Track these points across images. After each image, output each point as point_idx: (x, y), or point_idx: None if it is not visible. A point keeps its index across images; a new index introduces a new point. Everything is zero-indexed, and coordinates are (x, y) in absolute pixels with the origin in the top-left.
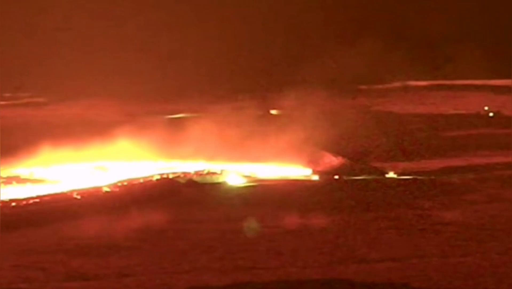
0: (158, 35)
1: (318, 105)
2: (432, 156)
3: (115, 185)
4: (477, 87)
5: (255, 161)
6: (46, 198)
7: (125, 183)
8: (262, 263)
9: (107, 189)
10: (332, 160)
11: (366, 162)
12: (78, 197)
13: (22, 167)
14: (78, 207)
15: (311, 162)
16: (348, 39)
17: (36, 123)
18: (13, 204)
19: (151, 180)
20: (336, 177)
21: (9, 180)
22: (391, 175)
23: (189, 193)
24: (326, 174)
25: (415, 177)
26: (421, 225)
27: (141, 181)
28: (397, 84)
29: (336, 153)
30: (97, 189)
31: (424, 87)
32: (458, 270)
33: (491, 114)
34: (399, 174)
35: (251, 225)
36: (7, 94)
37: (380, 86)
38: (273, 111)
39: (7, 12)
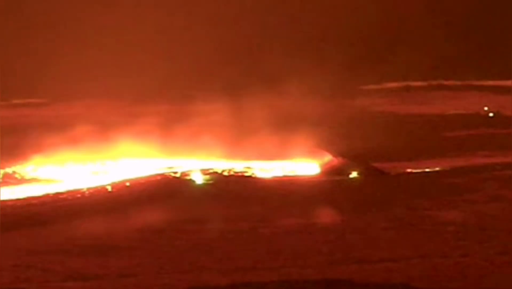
0: (158, 35)
1: (317, 105)
2: (432, 156)
3: (115, 184)
4: (477, 87)
5: (254, 160)
6: (46, 198)
7: (125, 183)
8: (262, 263)
9: (107, 189)
10: (332, 160)
11: (366, 162)
12: (78, 197)
13: (22, 167)
14: (78, 207)
15: (311, 161)
16: (348, 39)
17: (36, 123)
18: (13, 204)
19: (151, 180)
20: (336, 177)
21: (8, 180)
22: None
23: (189, 193)
24: (326, 174)
25: (415, 177)
26: (421, 225)
27: (141, 180)
28: (397, 84)
29: (336, 153)
30: (97, 189)
31: (424, 87)
32: (458, 270)
33: (491, 114)
34: (399, 174)
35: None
36: (7, 95)
37: (380, 86)
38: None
39: (7, 12)
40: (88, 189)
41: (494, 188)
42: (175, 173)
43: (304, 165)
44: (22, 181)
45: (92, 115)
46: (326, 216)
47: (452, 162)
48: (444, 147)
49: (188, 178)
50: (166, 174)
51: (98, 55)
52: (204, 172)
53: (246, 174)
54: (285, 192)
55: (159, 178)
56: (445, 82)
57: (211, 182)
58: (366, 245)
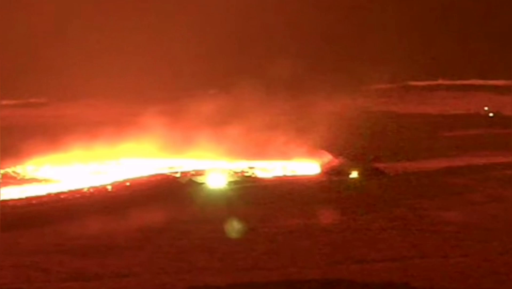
0: (158, 35)
1: (317, 105)
2: (432, 156)
3: (115, 184)
4: (477, 87)
5: (254, 160)
6: (46, 198)
7: (126, 183)
8: (262, 263)
9: (107, 189)
10: (332, 160)
11: (366, 162)
12: (78, 197)
13: (22, 167)
14: (78, 207)
15: (311, 161)
16: (349, 39)
17: (36, 123)
18: (13, 204)
19: (151, 180)
20: (336, 177)
21: (8, 180)
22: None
23: (189, 193)
24: (326, 174)
25: (415, 177)
26: (421, 225)
27: (142, 180)
28: (397, 84)
29: (336, 153)
30: (97, 189)
31: (424, 87)
32: (458, 270)
33: (491, 114)
34: (399, 174)
35: (234, 226)
36: (7, 94)
37: (380, 86)
38: None
39: (7, 12)
40: (88, 189)
41: (494, 188)
42: (175, 172)
43: (304, 165)
44: (22, 181)
45: (92, 115)
46: (326, 216)
47: (452, 162)
48: (444, 147)
49: (188, 177)
50: (167, 173)
51: (98, 56)
52: (204, 172)
53: (246, 174)
54: (285, 192)
55: (159, 177)
56: (445, 82)
57: (211, 182)
58: (366, 245)
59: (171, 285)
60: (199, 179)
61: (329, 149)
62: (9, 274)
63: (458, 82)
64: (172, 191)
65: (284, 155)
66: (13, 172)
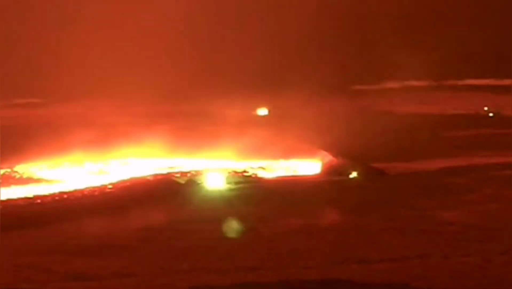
0: (158, 36)
1: (318, 105)
2: (432, 156)
3: (116, 184)
4: (477, 87)
5: (254, 160)
6: (46, 198)
7: (126, 183)
8: (262, 263)
9: (108, 189)
10: (332, 160)
11: (366, 162)
12: (79, 197)
13: (22, 167)
14: (78, 207)
15: (311, 161)
16: (348, 39)
17: (36, 123)
18: (13, 204)
19: (152, 180)
20: (336, 177)
21: (8, 180)
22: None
23: (189, 192)
24: (326, 174)
25: (415, 177)
26: (421, 225)
27: (142, 180)
28: (397, 84)
29: (336, 153)
30: (97, 189)
31: (424, 87)
32: (458, 270)
33: (491, 114)
34: (399, 174)
35: (234, 226)
36: (7, 94)
37: (380, 86)
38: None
39: (7, 13)
40: (89, 189)
41: (494, 188)
42: (176, 173)
43: (304, 165)
44: (22, 181)
45: (92, 115)
46: (326, 216)
47: (452, 162)
48: (444, 147)
49: (188, 177)
50: (167, 174)
51: (98, 55)
52: (205, 172)
53: (246, 174)
54: (285, 192)
55: (159, 178)
56: (445, 82)
57: (211, 182)
58: (366, 245)
59: (171, 285)
60: (199, 179)
61: (329, 149)
62: (9, 274)
63: (458, 82)
64: (172, 191)
65: (284, 155)
66: (13, 171)
